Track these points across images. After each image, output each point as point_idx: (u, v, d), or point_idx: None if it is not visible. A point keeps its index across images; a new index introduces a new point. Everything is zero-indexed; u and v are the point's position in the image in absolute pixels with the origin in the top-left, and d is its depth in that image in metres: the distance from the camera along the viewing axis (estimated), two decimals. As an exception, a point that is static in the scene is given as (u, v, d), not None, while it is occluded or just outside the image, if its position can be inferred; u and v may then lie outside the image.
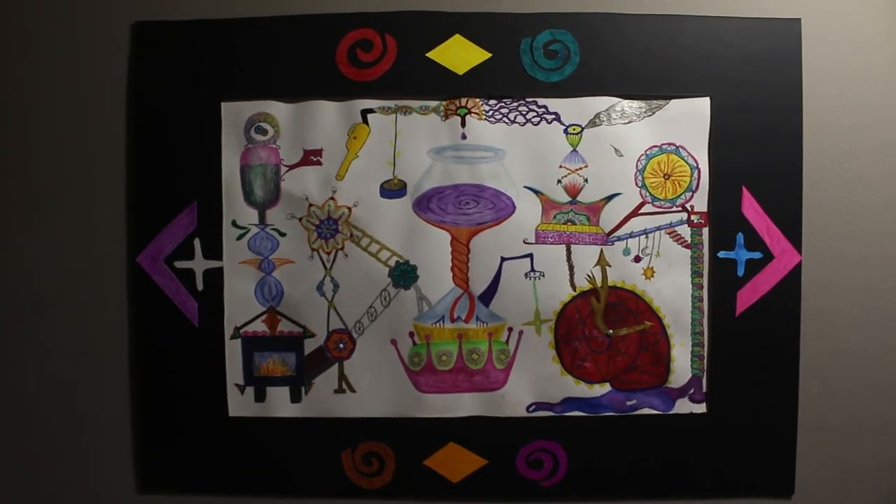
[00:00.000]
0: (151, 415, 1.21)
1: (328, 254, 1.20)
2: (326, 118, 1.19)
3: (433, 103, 1.20)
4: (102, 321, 1.22)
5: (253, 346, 1.20)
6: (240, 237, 1.20)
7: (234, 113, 1.20)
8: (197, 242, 1.20)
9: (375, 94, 1.19)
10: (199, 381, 1.20)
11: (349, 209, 1.20)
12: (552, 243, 1.19)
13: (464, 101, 1.19)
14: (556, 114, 1.19)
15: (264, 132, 1.20)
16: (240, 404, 1.20)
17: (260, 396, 1.21)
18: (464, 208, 1.19)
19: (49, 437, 1.24)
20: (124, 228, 1.22)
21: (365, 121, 1.20)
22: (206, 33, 1.19)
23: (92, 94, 1.22)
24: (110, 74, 1.21)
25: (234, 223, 1.20)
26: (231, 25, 1.19)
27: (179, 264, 1.20)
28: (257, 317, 1.21)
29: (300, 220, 1.20)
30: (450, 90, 1.19)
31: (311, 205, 1.20)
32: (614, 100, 1.19)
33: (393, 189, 1.19)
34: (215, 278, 1.20)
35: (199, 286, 1.20)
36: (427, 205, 1.19)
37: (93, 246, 1.22)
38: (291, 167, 1.20)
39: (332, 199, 1.20)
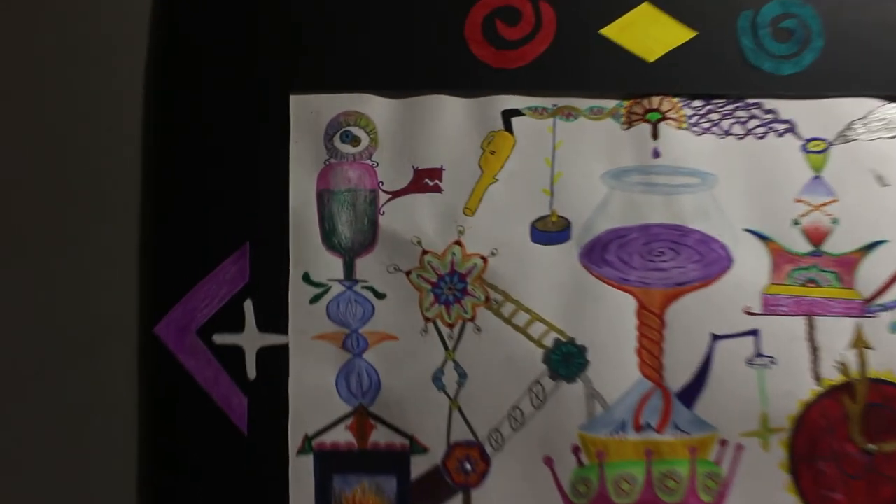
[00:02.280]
0: (172, 567, 0.83)
1: (451, 326, 0.84)
2: (450, 122, 0.85)
3: (610, 104, 0.85)
4: (103, 420, 0.85)
5: (332, 465, 0.85)
6: (315, 299, 0.85)
7: (308, 110, 0.86)
8: (248, 305, 0.84)
9: (524, 87, 0.85)
10: (249, 516, 0.84)
11: (484, 259, 0.84)
12: (786, 314, 0.84)
13: (656, 101, 0.85)
14: (789, 122, 0.85)
15: (355, 141, 0.86)
16: (311, 553, 0.84)
17: (342, 542, 0.84)
18: (657, 261, 0.84)
19: None
20: (136, 283, 0.86)
21: (508, 127, 0.85)
22: (269, -7, 0.85)
23: (98, 80, 0.86)
24: (124, 53, 0.87)
25: (306, 278, 0.85)
26: (305, -18, 0.85)
27: (220, 339, 0.84)
28: (340, 420, 0.85)
29: (408, 274, 0.84)
30: (635, 85, 0.85)
31: (424, 252, 0.84)
32: (875, 102, 0.85)
33: (550, 230, 0.85)
34: (276, 361, 0.84)
35: (251, 373, 0.84)
36: (602, 255, 0.84)
37: (87, 308, 0.86)
38: (395, 194, 0.85)
39: (457, 243, 0.84)
